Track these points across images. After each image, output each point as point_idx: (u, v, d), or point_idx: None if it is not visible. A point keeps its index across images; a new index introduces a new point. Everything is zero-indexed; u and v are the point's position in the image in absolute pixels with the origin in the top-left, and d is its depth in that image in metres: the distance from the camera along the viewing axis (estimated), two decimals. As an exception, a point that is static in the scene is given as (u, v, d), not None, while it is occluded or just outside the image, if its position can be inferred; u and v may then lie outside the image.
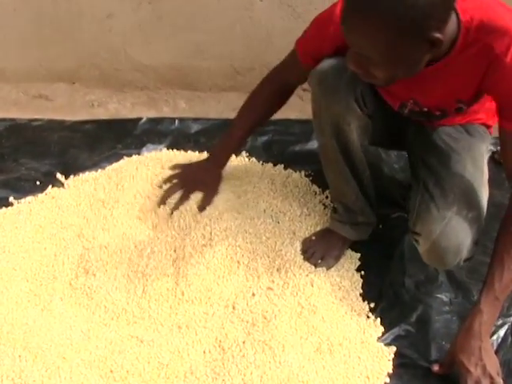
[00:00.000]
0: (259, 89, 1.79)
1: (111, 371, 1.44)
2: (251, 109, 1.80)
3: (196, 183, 1.84)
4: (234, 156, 2.02)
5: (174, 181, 1.87)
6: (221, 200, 1.86)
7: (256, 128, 1.87)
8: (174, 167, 1.93)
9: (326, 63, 1.52)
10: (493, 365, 1.45)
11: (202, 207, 1.79)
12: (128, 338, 1.52)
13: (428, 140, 1.64)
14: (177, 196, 1.81)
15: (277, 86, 1.75)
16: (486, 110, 1.59)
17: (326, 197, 1.96)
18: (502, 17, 1.30)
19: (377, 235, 1.85)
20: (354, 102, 1.52)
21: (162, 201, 1.80)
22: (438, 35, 1.21)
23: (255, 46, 2.35)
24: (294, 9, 2.25)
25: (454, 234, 1.49)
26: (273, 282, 1.66)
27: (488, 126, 1.66)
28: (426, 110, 1.53)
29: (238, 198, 1.90)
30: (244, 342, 1.50)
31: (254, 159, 2.09)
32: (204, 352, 1.49)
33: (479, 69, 1.35)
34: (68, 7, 2.26)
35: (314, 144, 2.10)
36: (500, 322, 1.63)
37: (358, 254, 1.81)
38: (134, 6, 2.24)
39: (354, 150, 1.63)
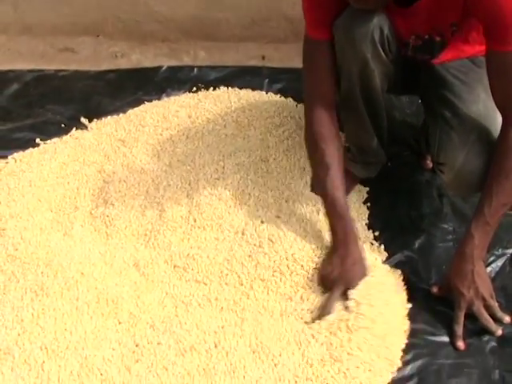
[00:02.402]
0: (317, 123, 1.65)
1: (124, 285, 1.55)
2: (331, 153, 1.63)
3: None
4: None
5: None
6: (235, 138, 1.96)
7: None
8: None
9: (348, 14, 1.52)
10: (485, 287, 1.50)
11: None
12: (143, 258, 1.62)
13: (439, 77, 1.67)
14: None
15: (323, 98, 1.64)
16: None
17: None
18: None
19: (386, 172, 1.91)
20: (380, 48, 1.55)
21: None
22: None
23: (272, -4, 2.42)
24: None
25: (477, 158, 1.53)
26: (281, 211, 1.74)
27: None
28: (427, 37, 1.57)
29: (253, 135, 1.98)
30: (249, 256, 1.59)
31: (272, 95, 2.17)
32: (213, 266, 1.58)
33: None
34: (91, -39, 2.36)
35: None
36: (500, 252, 1.68)
37: (367, 188, 1.87)
38: (154, -42, 2.33)
39: (376, 95, 1.66)
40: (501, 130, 1.48)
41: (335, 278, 1.51)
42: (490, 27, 1.41)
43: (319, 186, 1.65)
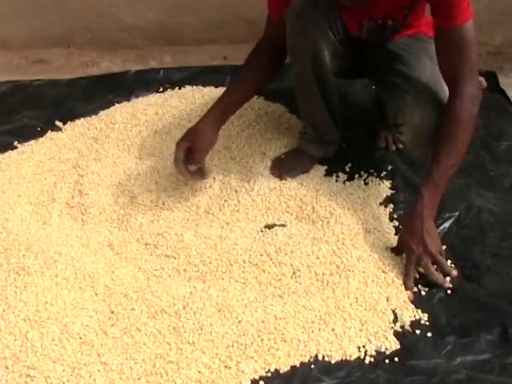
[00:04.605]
0: (252, 55, 1.89)
1: (99, 262, 1.68)
2: (248, 75, 1.89)
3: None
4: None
5: None
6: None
7: (253, 92, 1.97)
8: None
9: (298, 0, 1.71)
10: (434, 244, 1.63)
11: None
12: (116, 238, 1.76)
13: (387, 53, 1.84)
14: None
15: (267, 50, 1.86)
16: (426, 24, 1.80)
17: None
18: None
19: (341, 153, 2.06)
20: (328, 29, 1.72)
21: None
22: None
23: (229, 1, 2.58)
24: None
25: (431, 115, 1.70)
26: (242, 189, 1.88)
27: (430, 37, 1.85)
28: (380, 21, 1.73)
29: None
30: (214, 232, 1.74)
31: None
32: (180, 242, 1.73)
33: None
34: (58, -23, 2.52)
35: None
36: (447, 215, 1.83)
37: (325, 167, 2.01)
38: (118, -30, 2.49)
39: (327, 75, 1.81)
40: (448, 100, 1.65)
41: None
42: (438, 5, 1.58)
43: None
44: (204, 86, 2.39)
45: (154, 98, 2.32)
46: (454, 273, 1.63)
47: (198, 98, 2.30)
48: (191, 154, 1.80)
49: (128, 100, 2.35)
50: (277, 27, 1.78)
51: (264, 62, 1.88)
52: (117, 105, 2.32)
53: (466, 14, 1.58)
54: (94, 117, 2.26)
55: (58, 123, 2.25)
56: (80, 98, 2.40)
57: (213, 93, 2.32)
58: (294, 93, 1.92)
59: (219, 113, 1.86)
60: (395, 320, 1.52)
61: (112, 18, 2.63)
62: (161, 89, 2.40)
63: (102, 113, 2.28)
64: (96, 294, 1.59)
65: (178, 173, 1.85)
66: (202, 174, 1.85)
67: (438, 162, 1.62)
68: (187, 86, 2.39)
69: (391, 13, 1.71)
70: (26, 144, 2.16)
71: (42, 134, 2.21)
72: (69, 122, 2.25)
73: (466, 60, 1.61)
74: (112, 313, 1.54)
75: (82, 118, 2.26)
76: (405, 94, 1.76)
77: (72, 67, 2.63)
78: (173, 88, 2.40)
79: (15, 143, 2.16)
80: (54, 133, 2.20)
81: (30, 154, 2.09)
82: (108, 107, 2.32)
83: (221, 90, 2.30)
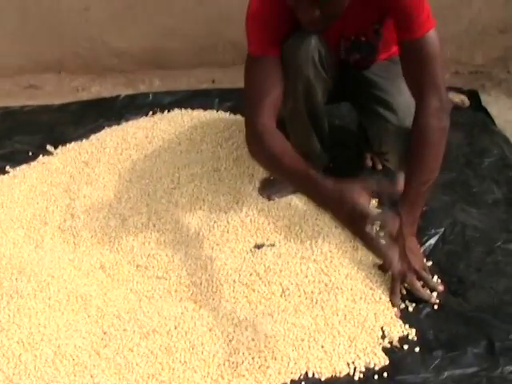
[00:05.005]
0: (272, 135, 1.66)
1: (91, 284, 1.71)
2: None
3: None
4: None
5: None
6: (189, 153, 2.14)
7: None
8: None
9: (292, 39, 1.70)
10: (417, 261, 1.67)
11: None
12: (108, 261, 1.79)
13: (365, 80, 1.88)
14: None
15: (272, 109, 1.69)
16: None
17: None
18: None
19: (328, 173, 2.09)
20: (321, 68, 1.74)
21: None
22: None
23: (216, 25, 2.63)
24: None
25: None
26: (231, 210, 1.92)
27: None
28: (353, 38, 1.77)
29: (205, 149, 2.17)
30: (205, 253, 1.77)
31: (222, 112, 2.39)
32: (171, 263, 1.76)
33: None
34: (49, 4, 2.57)
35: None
36: (432, 232, 1.87)
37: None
38: (107, -3, 2.54)
39: (319, 109, 1.85)
40: (414, 115, 1.67)
41: None
42: (400, 20, 1.63)
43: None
44: (193, 109, 2.42)
45: (143, 122, 2.35)
46: (440, 288, 1.67)
47: (187, 121, 2.33)
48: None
49: (118, 124, 2.38)
50: (269, 63, 1.71)
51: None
52: (107, 128, 2.35)
53: (426, 25, 1.60)
54: (84, 141, 2.29)
55: (49, 148, 2.27)
56: (71, 122, 2.43)
57: (201, 116, 2.36)
58: (285, 122, 1.93)
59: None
60: (383, 336, 1.55)
61: (102, 43, 2.67)
62: (150, 112, 2.44)
63: (92, 137, 2.31)
64: (88, 316, 1.62)
65: None
66: None
67: (411, 180, 1.66)
68: (176, 110, 2.43)
69: (362, 28, 1.74)
70: (17, 168, 2.19)
71: (33, 158, 2.23)
72: (60, 147, 2.28)
73: (428, 72, 1.62)
74: (104, 334, 1.57)
75: (72, 142, 2.29)
76: (386, 123, 1.79)
77: (63, 92, 2.66)
78: (162, 111, 2.44)
79: (7, 168, 2.19)
80: (46, 157, 2.23)
81: (22, 178, 2.12)
82: (99, 131, 2.35)
83: (210, 113, 2.37)
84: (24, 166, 2.19)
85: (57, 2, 2.58)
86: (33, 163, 2.21)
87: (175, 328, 1.56)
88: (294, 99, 1.79)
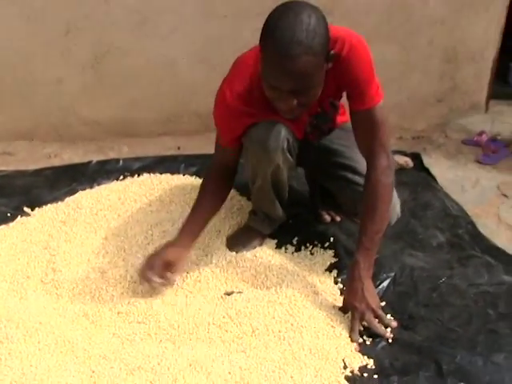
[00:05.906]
0: (204, 187, 2.07)
1: (77, 329, 1.85)
2: (204, 204, 2.05)
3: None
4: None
5: None
6: (160, 213, 2.33)
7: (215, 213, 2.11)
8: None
9: (260, 128, 1.89)
10: (374, 301, 1.86)
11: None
12: (91, 309, 1.93)
13: (329, 150, 2.12)
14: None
15: (218, 178, 2.05)
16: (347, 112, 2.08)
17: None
18: (337, 29, 1.76)
19: (288, 228, 2.31)
20: (288, 155, 1.96)
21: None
22: (332, 52, 1.71)
23: (181, 97, 2.87)
24: (211, 62, 2.78)
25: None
26: (202, 262, 2.10)
27: None
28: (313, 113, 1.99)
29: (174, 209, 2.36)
30: (179, 300, 1.94)
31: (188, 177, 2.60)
32: (149, 310, 1.92)
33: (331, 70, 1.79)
34: (23, 76, 2.77)
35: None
36: (384, 276, 2.08)
37: (275, 240, 2.26)
38: (79, 70, 2.75)
39: (283, 184, 2.08)
40: (366, 173, 1.90)
41: None
42: (352, 92, 1.86)
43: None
44: (161, 173, 2.63)
45: (115, 185, 2.54)
46: (394, 324, 1.86)
47: (156, 184, 2.53)
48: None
49: (91, 187, 2.56)
50: (228, 152, 2.01)
51: (218, 185, 2.06)
52: (81, 192, 2.52)
53: (376, 98, 1.84)
54: (60, 203, 2.45)
55: (26, 209, 2.42)
56: (45, 186, 2.60)
57: (169, 179, 2.56)
58: (251, 192, 2.16)
59: (187, 240, 2.02)
60: (345, 366, 1.73)
61: (73, 113, 2.87)
62: (121, 177, 2.63)
63: (68, 199, 2.47)
64: (76, 357, 1.74)
65: (146, 281, 1.96)
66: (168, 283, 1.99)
67: (365, 229, 1.87)
68: (145, 174, 2.63)
69: (319, 101, 1.93)
70: (-3, 229, 2.32)
71: (12, 219, 2.37)
72: (37, 208, 2.43)
73: (376, 137, 1.86)
74: (93, 372, 1.69)
75: (49, 204, 2.44)
76: (357, 187, 2.01)
77: (35, 158, 2.83)
78: (132, 176, 2.63)
79: (-14, 229, 2.32)
80: (24, 218, 2.38)
81: (2, 237, 2.25)
82: (73, 194, 2.51)
83: (177, 177, 2.58)
84: (3, 226, 2.33)
85: (31, 73, 2.78)
86: (11, 224, 2.35)
87: (158, 364, 1.70)
88: (263, 179, 2.02)
